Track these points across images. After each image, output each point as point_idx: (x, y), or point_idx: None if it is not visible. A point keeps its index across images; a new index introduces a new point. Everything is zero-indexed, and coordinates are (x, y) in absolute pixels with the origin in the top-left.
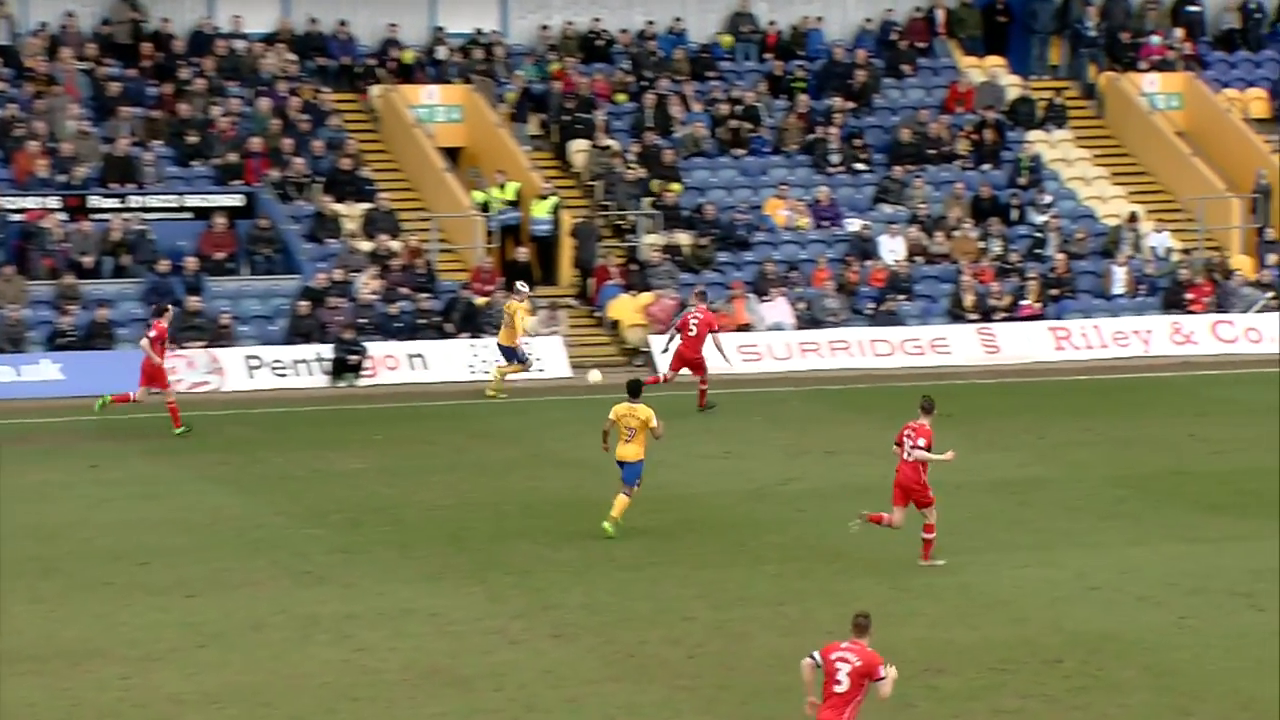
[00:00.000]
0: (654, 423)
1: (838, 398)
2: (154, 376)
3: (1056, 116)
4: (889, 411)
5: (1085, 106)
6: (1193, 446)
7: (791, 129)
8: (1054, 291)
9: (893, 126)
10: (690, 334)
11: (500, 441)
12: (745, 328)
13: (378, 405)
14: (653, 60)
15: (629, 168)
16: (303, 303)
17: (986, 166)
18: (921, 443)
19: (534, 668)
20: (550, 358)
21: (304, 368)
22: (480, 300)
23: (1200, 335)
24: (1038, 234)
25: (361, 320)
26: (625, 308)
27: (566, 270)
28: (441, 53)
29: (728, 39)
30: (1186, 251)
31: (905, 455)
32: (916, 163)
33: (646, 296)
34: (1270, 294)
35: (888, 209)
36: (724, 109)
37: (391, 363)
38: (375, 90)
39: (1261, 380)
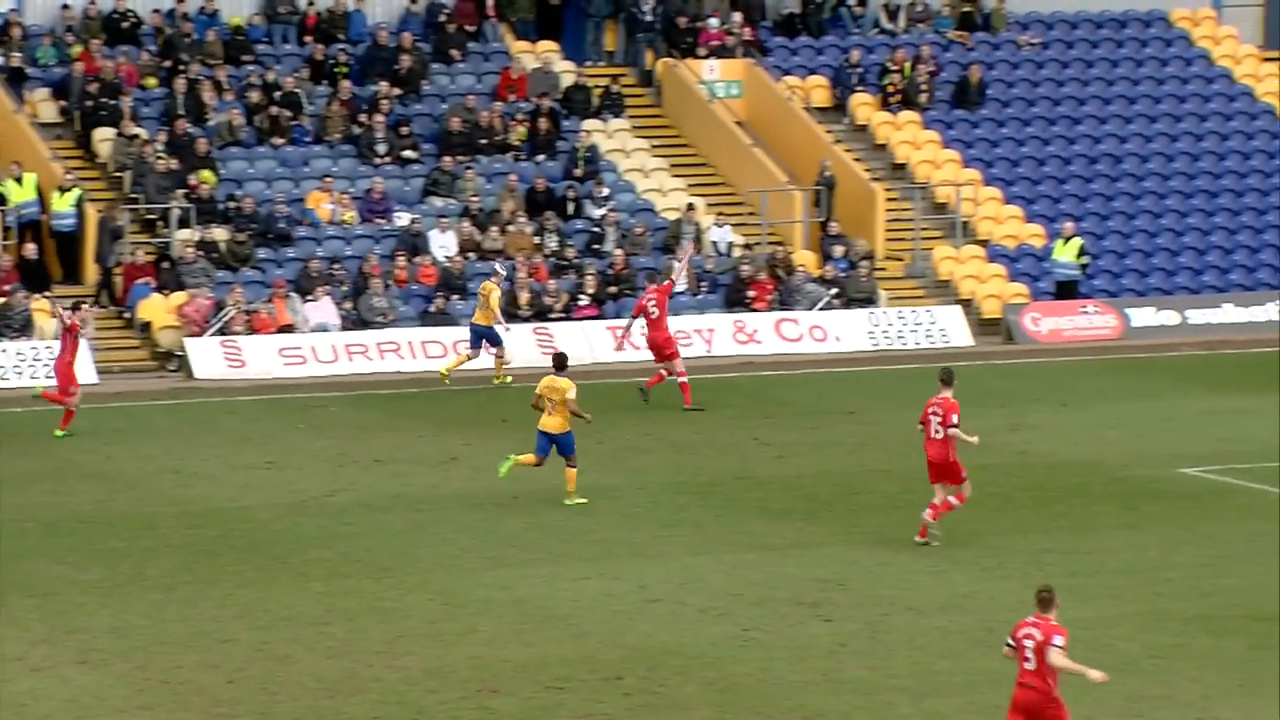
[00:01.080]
0: (570, 394)
1: (387, 403)
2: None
3: (613, 105)
4: (441, 418)
5: (643, 94)
6: (757, 450)
7: (334, 117)
8: (613, 289)
9: (442, 115)
10: (653, 316)
11: (21, 453)
12: (287, 329)
13: None
14: (185, 43)
15: (159, 158)
16: None
17: (541, 157)
18: (954, 419)
19: (58, 697)
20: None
21: None
22: None
23: (764, 334)
24: (595, 229)
25: None
26: (157, 308)
27: (91, 268)
28: None
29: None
30: (748, 247)
31: (933, 433)
32: (468, 153)
33: (180, 296)
34: (835, 291)
35: (438, 202)
36: (261, 96)
37: None
38: None
39: (827, 380)
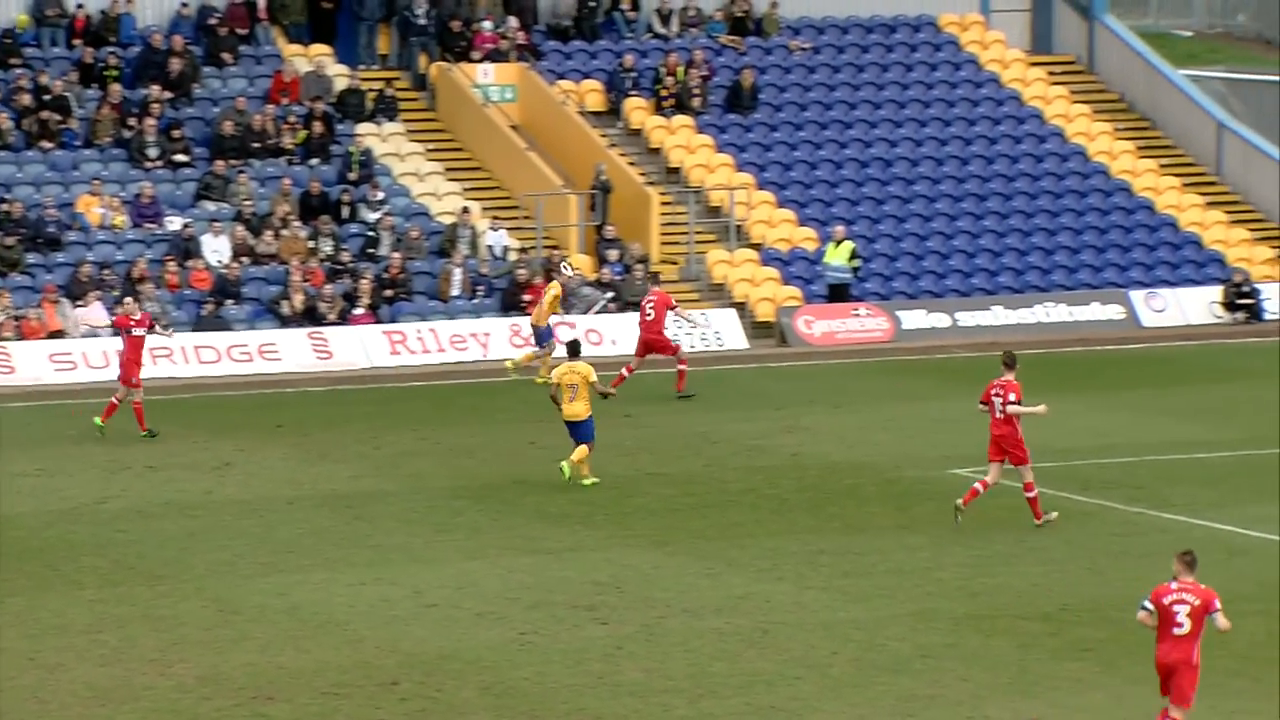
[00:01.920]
0: (593, 378)
1: (160, 409)
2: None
3: (387, 109)
4: (214, 424)
5: (417, 98)
6: (533, 454)
7: (105, 121)
8: (389, 293)
9: (214, 118)
10: (648, 318)
11: None
12: (58, 334)
13: None
14: None
15: None
16: None
17: (315, 161)
18: (1012, 397)
19: None
20: None
21: None
22: None
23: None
24: (370, 233)
25: None
26: None
27: None
28: None
29: (23, 19)
30: (524, 251)
31: (997, 413)
32: (241, 157)
33: None
34: (611, 294)
35: (211, 206)
36: (30, 99)
37: None
38: None
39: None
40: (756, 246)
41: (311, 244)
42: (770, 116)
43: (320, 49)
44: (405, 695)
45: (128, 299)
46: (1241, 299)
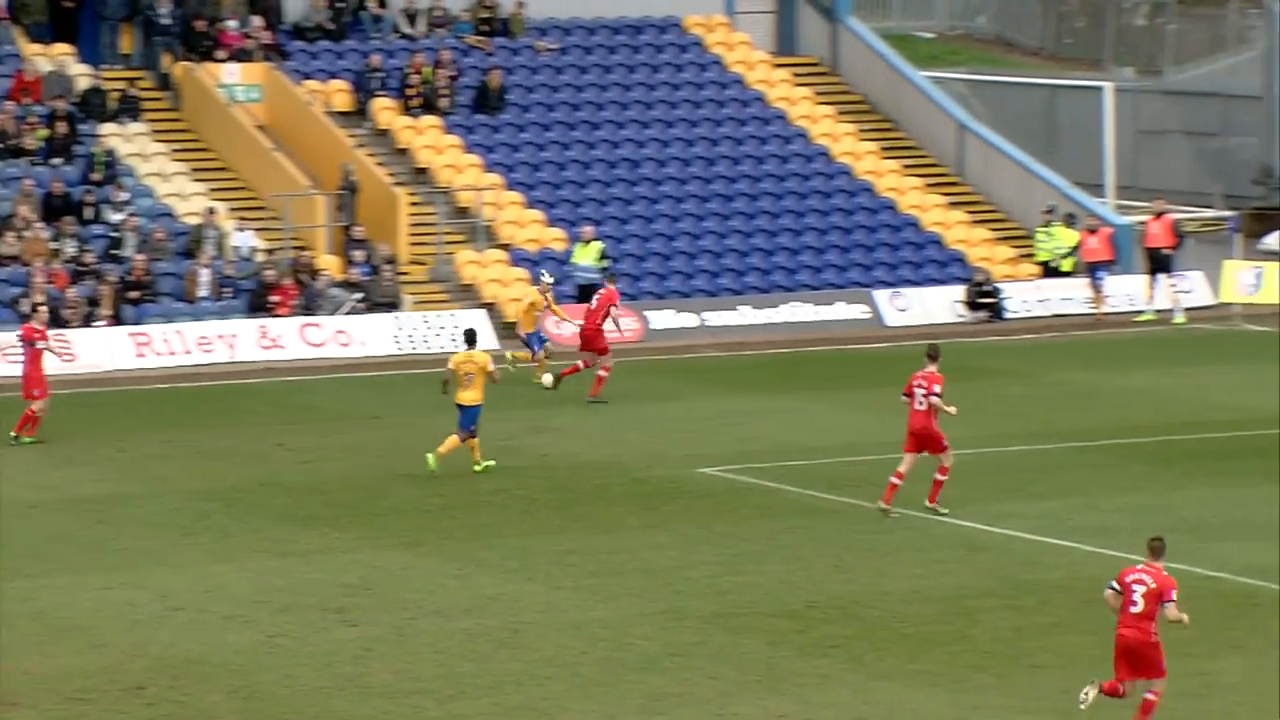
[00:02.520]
0: (490, 367)
1: None
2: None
3: (130, 109)
4: None
5: (161, 98)
6: (282, 456)
7: None
8: (133, 295)
9: None
10: (590, 306)
11: None
12: None
13: None
14: None
15: None
16: None
17: (58, 161)
18: (937, 389)
19: None
20: None
21: None
22: None
23: (288, 339)
24: (115, 234)
25: None
26: None
27: None
28: None
29: None
30: (271, 251)
31: (918, 404)
32: None
33: None
34: (359, 295)
35: None
36: None
37: None
38: None
39: (352, 385)
40: (505, 247)
41: (54, 245)
42: (518, 117)
43: (62, 48)
44: (151, 700)
45: (38, 309)
46: (983, 298)
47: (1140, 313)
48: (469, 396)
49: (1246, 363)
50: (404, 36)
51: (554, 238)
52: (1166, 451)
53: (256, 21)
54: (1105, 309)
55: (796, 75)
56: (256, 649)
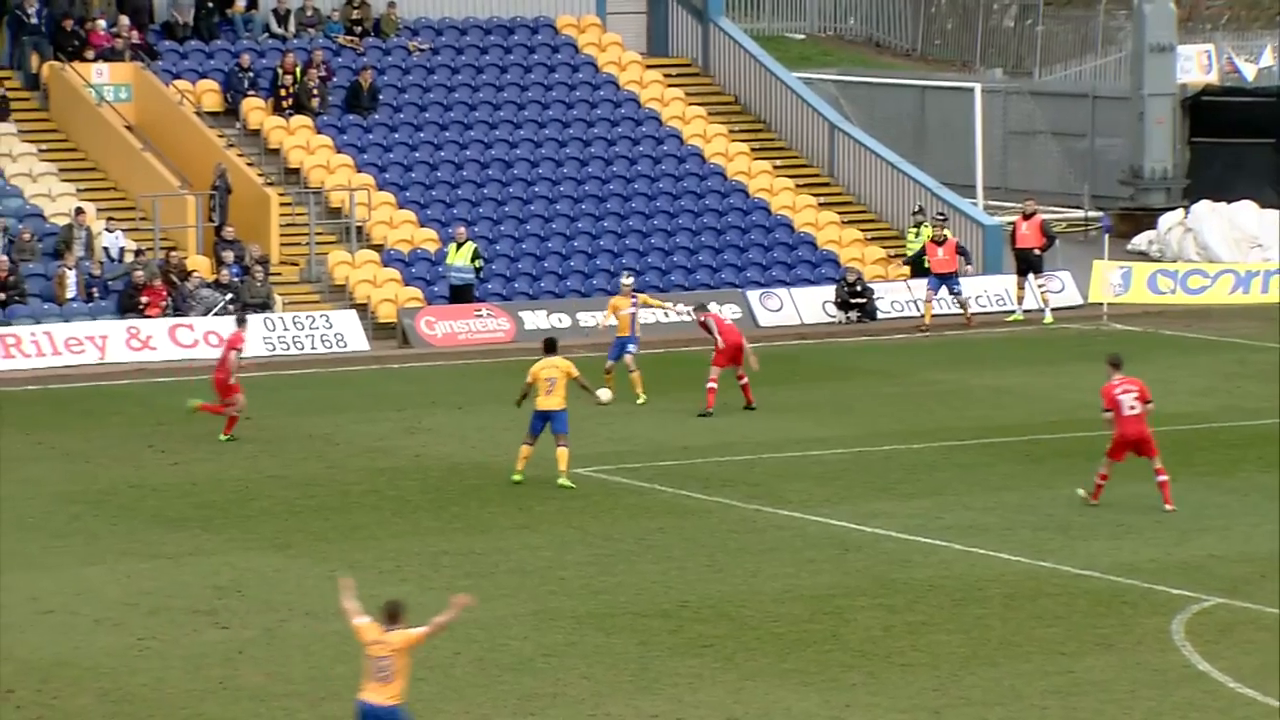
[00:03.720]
0: (575, 372)
1: None
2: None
3: None
4: None
5: (29, 98)
6: (152, 458)
7: None
8: (1, 296)
9: None
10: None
11: None
12: None
13: None
14: None
15: None
16: None
17: None
18: (1136, 392)
19: None
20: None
21: None
22: None
23: (158, 340)
24: None
25: None
26: None
27: None
28: None
29: None
30: (140, 252)
31: (1128, 411)
32: None
33: None
34: (230, 296)
35: None
36: None
37: None
38: None
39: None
40: (378, 248)
41: None
42: (390, 117)
43: None
44: (20, 703)
45: None
46: (854, 298)
47: (1010, 313)
48: (552, 402)
49: None
50: (274, 36)
51: (426, 238)
52: (1036, 450)
53: (125, 21)
54: (973, 311)
55: (668, 76)
56: (126, 651)
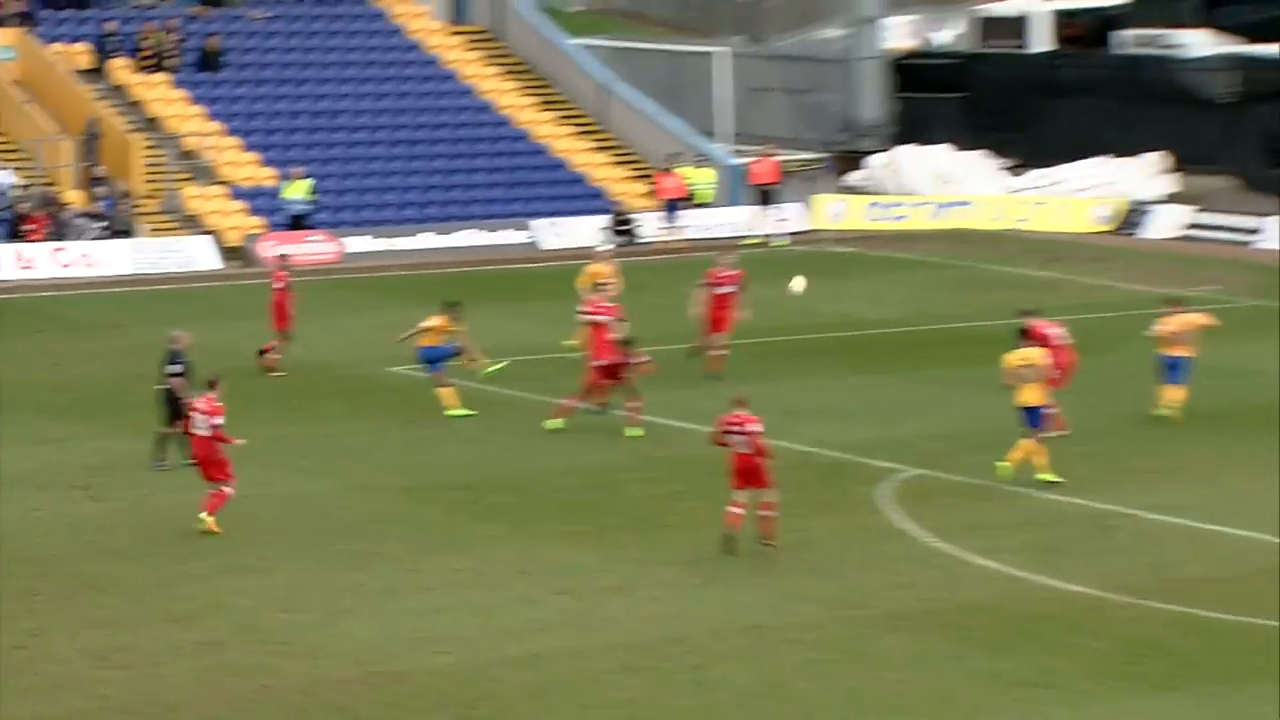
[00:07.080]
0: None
1: None
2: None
3: None
4: None
5: None
6: (37, 360)
7: None
8: None
9: None
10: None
11: None
12: None
13: None
14: None
15: None
16: None
17: None
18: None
19: None
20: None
21: None
22: None
23: (41, 261)
24: None
25: None
26: None
27: None
28: None
29: None
30: (25, 187)
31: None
32: None
33: None
34: (102, 224)
35: None
36: None
37: None
38: None
39: (96, 300)
40: (225, 184)
41: None
42: (235, 75)
43: None
44: None
45: None
46: (622, 225)
47: (746, 237)
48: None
49: (834, 278)
50: (138, 6)
51: (267, 176)
52: (768, 351)
53: None
54: (681, 238)
55: (469, 41)
56: (21, 520)
